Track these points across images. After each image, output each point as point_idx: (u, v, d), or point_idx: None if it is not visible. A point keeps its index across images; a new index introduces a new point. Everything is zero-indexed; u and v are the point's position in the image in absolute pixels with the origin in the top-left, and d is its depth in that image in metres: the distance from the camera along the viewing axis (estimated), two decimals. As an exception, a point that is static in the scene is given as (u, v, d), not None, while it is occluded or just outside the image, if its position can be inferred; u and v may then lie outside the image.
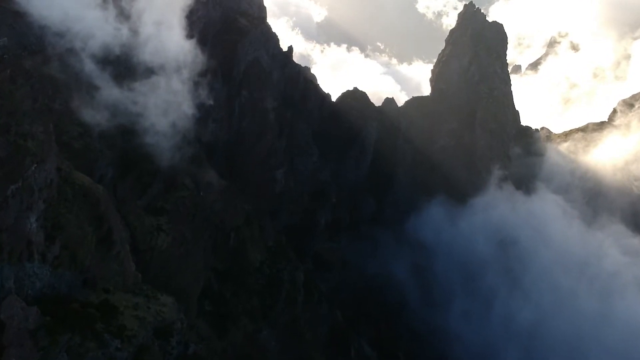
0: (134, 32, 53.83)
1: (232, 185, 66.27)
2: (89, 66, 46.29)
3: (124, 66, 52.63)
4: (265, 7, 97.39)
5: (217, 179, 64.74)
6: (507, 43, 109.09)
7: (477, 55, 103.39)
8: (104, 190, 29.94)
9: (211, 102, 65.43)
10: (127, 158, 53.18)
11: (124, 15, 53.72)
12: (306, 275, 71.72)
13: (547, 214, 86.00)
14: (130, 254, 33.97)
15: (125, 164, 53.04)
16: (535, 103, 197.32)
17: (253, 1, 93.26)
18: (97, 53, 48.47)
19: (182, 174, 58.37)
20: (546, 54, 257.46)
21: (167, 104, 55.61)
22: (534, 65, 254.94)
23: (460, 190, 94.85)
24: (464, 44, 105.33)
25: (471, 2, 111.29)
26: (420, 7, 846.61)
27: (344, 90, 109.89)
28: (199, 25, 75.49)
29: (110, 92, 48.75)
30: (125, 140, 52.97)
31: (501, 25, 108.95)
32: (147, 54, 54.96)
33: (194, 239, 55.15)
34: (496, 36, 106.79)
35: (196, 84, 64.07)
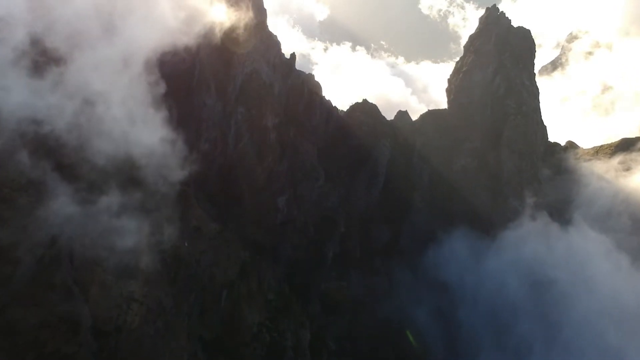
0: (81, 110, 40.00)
1: (224, 229, 55.25)
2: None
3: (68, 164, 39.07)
4: (265, 10, 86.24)
5: (206, 221, 53.77)
6: (535, 51, 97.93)
7: (502, 66, 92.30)
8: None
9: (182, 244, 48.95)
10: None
11: (65, 86, 39.40)
12: (313, 330, 60.93)
13: (589, 251, 74.93)
14: None
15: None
16: (555, 110, 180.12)
17: (252, 3, 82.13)
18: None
19: (162, 220, 47.33)
20: (564, 53, 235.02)
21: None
22: (554, 65, 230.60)
23: (485, 219, 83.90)
24: (487, 52, 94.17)
25: (494, 6, 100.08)
26: (423, 7, 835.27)
27: (353, 103, 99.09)
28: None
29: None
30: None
31: (528, 30, 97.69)
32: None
33: (175, 306, 44.15)
34: (523, 43, 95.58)
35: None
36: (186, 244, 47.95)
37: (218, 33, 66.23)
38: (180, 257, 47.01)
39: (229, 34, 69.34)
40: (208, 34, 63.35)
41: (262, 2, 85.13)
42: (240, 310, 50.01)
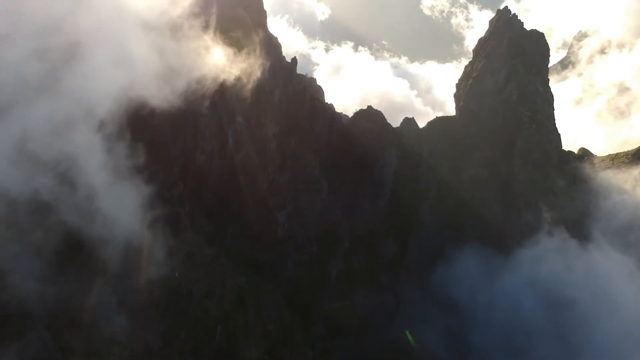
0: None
1: (220, 251, 50.94)
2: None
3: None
4: (265, 12, 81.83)
5: (200, 245, 49.47)
6: (549, 56, 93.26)
7: (514, 71, 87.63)
8: None
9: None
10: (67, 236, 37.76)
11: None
12: (316, 356, 56.68)
13: (610, 270, 70.46)
14: None
15: (64, 245, 37.60)
16: (566, 113, 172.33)
17: (251, 4, 77.59)
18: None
19: (150, 249, 42.99)
20: (573, 52, 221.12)
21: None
22: (563, 65, 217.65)
23: (497, 234, 79.33)
24: (499, 56, 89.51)
25: (506, 8, 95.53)
26: (425, 7, 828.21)
27: (357, 107, 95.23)
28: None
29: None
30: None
31: (542, 34, 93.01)
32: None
33: (164, 347, 39.89)
34: (537, 47, 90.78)
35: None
36: (177, 274, 43.61)
37: (211, 91, 55.89)
38: (172, 290, 42.71)
39: (230, 95, 61.43)
40: (198, 92, 53.08)
41: (262, 3, 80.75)
42: (236, 346, 45.66)
